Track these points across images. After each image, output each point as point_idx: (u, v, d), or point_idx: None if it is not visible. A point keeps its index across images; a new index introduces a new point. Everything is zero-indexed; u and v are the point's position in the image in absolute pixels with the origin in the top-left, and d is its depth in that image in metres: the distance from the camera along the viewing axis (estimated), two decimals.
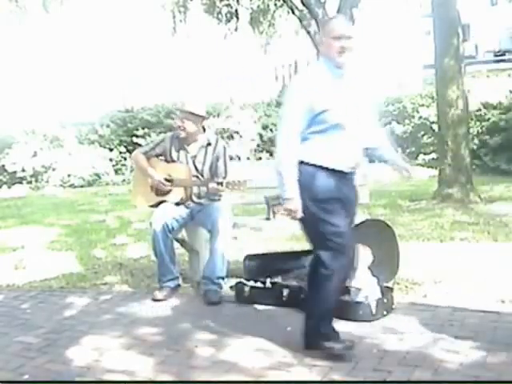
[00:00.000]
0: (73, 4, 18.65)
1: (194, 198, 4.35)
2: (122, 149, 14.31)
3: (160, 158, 4.46)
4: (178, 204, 4.32)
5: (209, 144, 4.35)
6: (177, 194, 4.33)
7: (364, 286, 3.65)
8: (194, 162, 4.34)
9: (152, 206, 4.41)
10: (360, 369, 2.88)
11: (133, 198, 4.85)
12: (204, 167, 4.33)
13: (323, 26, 3.25)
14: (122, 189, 11.87)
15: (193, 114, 4.27)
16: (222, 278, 4.17)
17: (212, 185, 4.12)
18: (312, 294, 3.08)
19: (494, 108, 12.25)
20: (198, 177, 4.33)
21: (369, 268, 3.73)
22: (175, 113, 14.32)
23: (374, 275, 3.72)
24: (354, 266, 3.69)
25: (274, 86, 27.10)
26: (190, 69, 27.91)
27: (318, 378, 2.82)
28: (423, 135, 13.41)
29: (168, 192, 4.35)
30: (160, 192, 4.38)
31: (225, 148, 4.41)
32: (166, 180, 4.33)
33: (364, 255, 3.72)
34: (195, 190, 4.34)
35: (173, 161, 4.38)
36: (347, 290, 3.67)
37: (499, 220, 6.54)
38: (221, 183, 4.08)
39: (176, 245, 4.49)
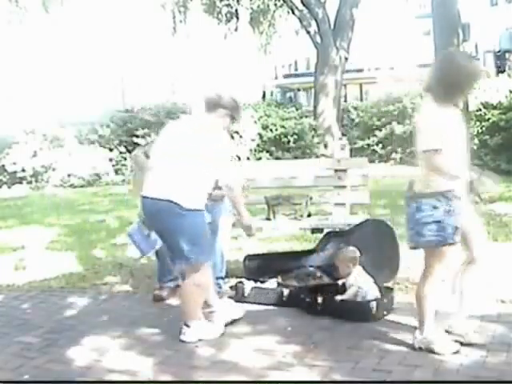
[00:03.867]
0: (73, 4, 18.67)
1: None
2: (122, 149, 14.29)
3: None
4: None
5: None
6: None
7: (360, 285, 3.64)
8: None
9: None
10: (360, 369, 2.88)
11: (133, 197, 4.85)
12: None
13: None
14: (121, 189, 11.86)
15: None
16: (222, 278, 4.17)
17: (215, 192, 4.12)
18: None
19: (494, 108, 12.23)
20: None
21: (363, 267, 3.72)
22: (176, 113, 14.34)
23: (370, 274, 3.72)
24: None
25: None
26: (190, 69, 27.89)
27: (318, 378, 2.82)
28: None
29: None
30: None
31: None
32: None
33: (353, 256, 3.73)
34: None
35: None
36: (344, 289, 3.68)
37: (499, 220, 6.54)
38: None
39: None
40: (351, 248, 3.79)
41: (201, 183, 3.31)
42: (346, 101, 19.77)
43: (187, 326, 3.35)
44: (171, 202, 3.18)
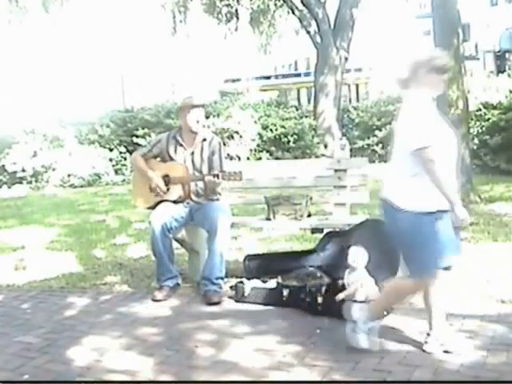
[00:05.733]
0: (73, 4, 18.67)
1: (193, 197, 4.36)
2: (122, 149, 14.29)
3: (157, 158, 4.49)
4: (176, 202, 4.33)
5: (204, 139, 4.40)
6: (175, 192, 4.34)
7: (362, 285, 3.64)
8: (192, 159, 4.37)
9: (151, 208, 4.42)
10: (360, 369, 2.88)
11: (133, 199, 4.87)
12: (202, 163, 4.37)
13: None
14: (121, 189, 11.86)
15: (204, 105, 4.43)
16: (222, 278, 4.17)
17: (208, 177, 4.15)
18: None
19: (494, 108, 12.23)
20: (195, 174, 4.36)
21: (366, 268, 3.72)
22: (176, 113, 14.27)
23: (371, 275, 3.72)
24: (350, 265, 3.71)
25: None
26: (189, 69, 27.90)
27: (318, 378, 2.82)
28: None
29: (166, 191, 4.36)
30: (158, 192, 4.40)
31: (220, 143, 4.47)
32: (165, 176, 4.35)
33: (360, 256, 3.72)
34: (193, 187, 4.35)
35: (171, 159, 4.40)
36: (343, 289, 3.67)
37: (499, 220, 6.54)
38: (217, 175, 4.11)
39: (176, 245, 4.49)
40: (362, 248, 3.76)
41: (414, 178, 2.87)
42: (350, 101, 19.74)
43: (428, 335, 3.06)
44: (387, 201, 2.95)
